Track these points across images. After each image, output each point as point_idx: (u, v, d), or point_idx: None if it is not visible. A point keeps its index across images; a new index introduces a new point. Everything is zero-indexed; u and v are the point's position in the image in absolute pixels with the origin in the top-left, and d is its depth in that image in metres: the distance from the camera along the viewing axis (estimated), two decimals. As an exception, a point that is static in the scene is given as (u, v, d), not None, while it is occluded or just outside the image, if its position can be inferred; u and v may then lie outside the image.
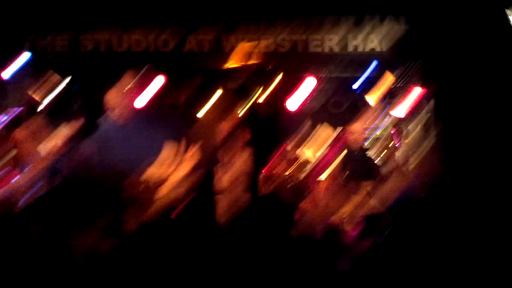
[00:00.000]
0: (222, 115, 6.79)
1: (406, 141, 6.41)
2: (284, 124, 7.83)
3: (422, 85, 5.70)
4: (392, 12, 4.81)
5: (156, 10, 5.30)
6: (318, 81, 6.98)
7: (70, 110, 6.56)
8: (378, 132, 6.85)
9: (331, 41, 5.53)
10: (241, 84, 7.27)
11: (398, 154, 5.99)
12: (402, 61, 5.88)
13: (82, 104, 6.60)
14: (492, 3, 4.18)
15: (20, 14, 5.15)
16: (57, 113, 5.79)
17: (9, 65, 5.48)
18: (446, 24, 4.83)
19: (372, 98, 6.60)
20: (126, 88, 4.23)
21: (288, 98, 7.13)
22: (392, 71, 6.06)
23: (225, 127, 5.14)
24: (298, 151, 7.39)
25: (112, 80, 6.72)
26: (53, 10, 5.14)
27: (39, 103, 6.15)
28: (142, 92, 6.72)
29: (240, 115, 7.53)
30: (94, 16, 5.36)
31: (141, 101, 6.88)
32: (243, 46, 5.56)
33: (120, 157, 3.53)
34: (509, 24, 3.66)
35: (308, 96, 7.28)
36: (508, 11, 3.77)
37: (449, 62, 5.46)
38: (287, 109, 7.15)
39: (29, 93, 5.96)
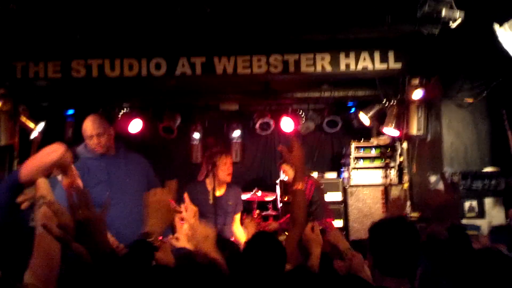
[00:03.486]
0: (217, 138, 6.77)
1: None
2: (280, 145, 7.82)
3: (418, 103, 5.68)
4: (384, 32, 4.82)
5: (148, 34, 5.30)
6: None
7: (64, 138, 6.55)
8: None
9: (323, 60, 5.53)
10: (236, 106, 7.29)
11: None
12: (396, 79, 5.87)
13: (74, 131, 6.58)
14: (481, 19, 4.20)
15: (11, 40, 5.15)
16: (50, 141, 5.76)
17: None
18: (439, 42, 4.83)
19: (366, 117, 6.60)
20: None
21: (283, 119, 7.14)
22: (386, 89, 6.07)
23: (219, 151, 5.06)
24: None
25: (104, 105, 6.81)
26: (44, 36, 5.14)
27: (32, 131, 6.14)
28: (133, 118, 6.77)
29: (235, 139, 7.57)
30: (85, 42, 5.37)
31: (135, 127, 6.94)
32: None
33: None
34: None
35: (302, 118, 7.29)
36: (496, 25, 3.77)
37: (446, 78, 5.46)
38: (282, 130, 7.15)
39: (23, 120, 5.95)
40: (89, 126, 3.88)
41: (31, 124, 6.13)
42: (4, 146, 5.73)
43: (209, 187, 4.68)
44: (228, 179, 4.75)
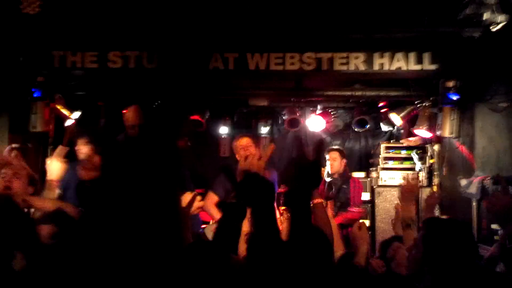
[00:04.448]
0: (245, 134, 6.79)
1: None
2: (308, 142, 7.83)
3: (451, 106, 5.62)
4: (421, 32, 4.78)
5: (189, 28, 5.36)
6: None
7: (97, 126, 6.65)
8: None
9: (357, 59, 5.51)
10: (265, 102, 7.31)
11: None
12: (430, 80, 5.82)
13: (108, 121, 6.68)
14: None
15: (50, 29, 5.25)
16: (84, 129, 5.87)
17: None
18: (475, 44, 4.79)
19: (397, 118, 6.56)
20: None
21: (312, 116, 7.15)
22: (419, 91, 6.02)
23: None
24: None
25: (140, 97, 6.89)
26: (83, 26, 5.24)
27: (67, 119, 6.26)
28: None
29: (263, 135, 7.59)
30: (122, 33, 5.44)
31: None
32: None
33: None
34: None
35: (332, 116, 7.29)
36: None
37: (480, 82, 5.39)
38: (311, 128, 7.16)
39: (58, 108, 6.07)
40: (131, 116, 3.98)
41: (66, 113, 6.25)
42: (39, 133, 5.85)
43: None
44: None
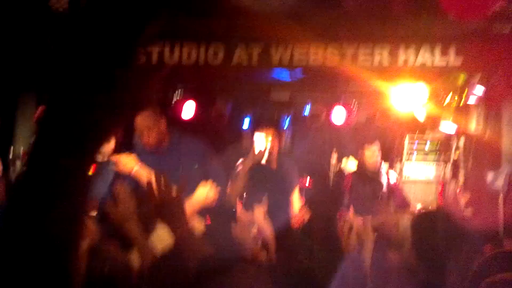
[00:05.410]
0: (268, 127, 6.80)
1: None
2: (331, 137, 7.81)
3: (478, 99, 5.56)
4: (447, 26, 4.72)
5: (204, 22, 5.35)
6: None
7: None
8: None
9: (381, 54, 5.46)
10: (287, 95, 7.29)
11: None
12: (455, 75, 5.74)
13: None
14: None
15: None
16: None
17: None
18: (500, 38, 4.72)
19: (421, 113, 6.50)
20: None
21: (334, 110, 7.11)
22: (445, 84, 5.95)
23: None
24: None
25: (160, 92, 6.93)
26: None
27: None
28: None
29: (285, 128, 7.58)
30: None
31: (188, 111, 7.05)
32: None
33: None
34: None
35: (354, 110, 7.23)
36: None
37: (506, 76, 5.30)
38: (333, 122, 7.12)
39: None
40: (138, 121, 3.85)
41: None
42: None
43: None
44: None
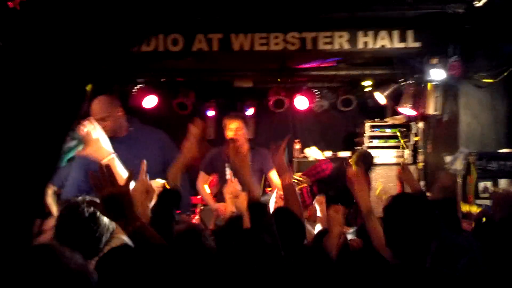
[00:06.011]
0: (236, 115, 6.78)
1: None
2: (294, 123, 7.84)
3: (436, 83, 5.64)
4: (404, 10, 4.77)
5: (164, 10, 5.28)
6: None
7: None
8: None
9: (341, 38, 5.49)
10: (250, 83, 7.28)
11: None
12: (414, 58, 5.82)
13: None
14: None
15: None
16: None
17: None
18: (458, 21, 4.80)
19: (382, 96, 6.58)
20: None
21: (297, 97, 7.13)
22: (403, 69, 6.04)
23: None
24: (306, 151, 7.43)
25: (119, 81, 6.83)
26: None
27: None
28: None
29: (248, 116, 7.57)
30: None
31: (149, 102, 6.96)
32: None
33: None
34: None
35: (316, 97, 7.28)
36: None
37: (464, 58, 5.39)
38: (296, 108, 7.15)
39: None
40: (93, 109, 3.74)
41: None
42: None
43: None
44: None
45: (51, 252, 1.57)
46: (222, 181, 4.64)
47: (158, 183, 2.91)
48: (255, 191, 2.57)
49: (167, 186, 2.63)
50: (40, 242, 2.39)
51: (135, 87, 7.01)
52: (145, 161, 2.64)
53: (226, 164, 4.71)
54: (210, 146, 5.48)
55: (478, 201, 5.25)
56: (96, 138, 3.18)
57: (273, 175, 4.99)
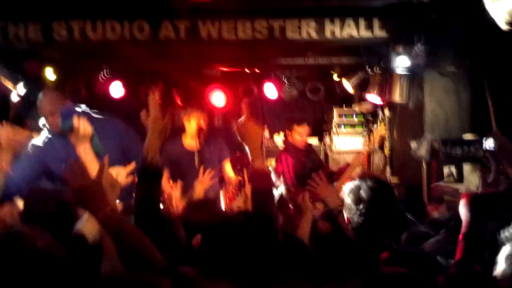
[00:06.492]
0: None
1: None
2: (262, 110, 7.85)
3: (401, 71, 5.72)
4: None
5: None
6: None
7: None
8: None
9: (309, 26, 5.51)
10: (218, 71, 7.24)
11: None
12: (380, 46, 5.90)
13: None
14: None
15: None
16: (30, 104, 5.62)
17: None
18: (424, 10, 4.87)
19: (349, 84, 6.65)
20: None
21: (266, 85, 7.14)
22: (370, 57, 6.11)
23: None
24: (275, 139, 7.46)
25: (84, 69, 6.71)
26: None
27: (11, 92, 6.01)
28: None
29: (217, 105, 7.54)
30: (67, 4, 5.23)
31: (116, 90, 6.85)
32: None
33: None
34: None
35: (284, 85, 7.30)
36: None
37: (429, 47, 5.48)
38: (265, 96, 7.16)
39: (1, 81, 5.81)
40: (41, 104, 3.67)
41: (9, 85, 6.00)
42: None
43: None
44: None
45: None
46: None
47: (120, 172, 2.82)
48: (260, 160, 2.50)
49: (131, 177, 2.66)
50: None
51: (100, 76, 6.88)
52: (106, 156, 2.55)
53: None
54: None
55: (443, 185, 5.39)
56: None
57: (227, 166, 5.31)
